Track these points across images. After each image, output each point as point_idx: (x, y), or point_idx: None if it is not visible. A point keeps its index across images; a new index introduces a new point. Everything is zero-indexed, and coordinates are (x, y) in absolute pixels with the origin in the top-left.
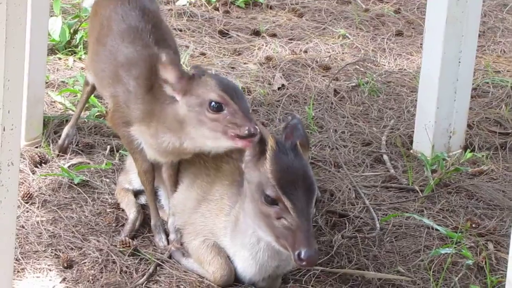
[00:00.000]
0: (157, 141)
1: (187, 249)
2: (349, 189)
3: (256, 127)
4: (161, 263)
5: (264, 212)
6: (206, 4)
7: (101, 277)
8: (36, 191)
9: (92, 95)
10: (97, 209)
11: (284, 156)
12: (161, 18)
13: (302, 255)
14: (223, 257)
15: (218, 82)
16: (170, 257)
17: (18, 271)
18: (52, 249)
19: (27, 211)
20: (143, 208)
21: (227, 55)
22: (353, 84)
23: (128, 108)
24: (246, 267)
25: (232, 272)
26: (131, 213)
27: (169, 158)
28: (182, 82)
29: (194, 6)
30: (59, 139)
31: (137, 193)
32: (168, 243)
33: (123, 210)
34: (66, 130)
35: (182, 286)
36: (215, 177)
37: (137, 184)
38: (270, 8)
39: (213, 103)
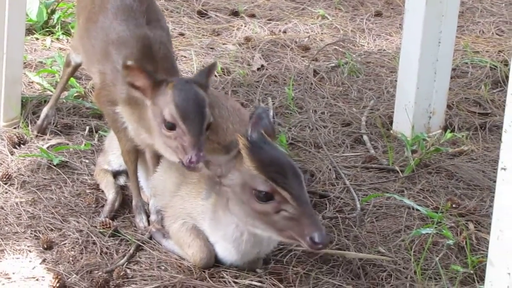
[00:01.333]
0: (138, 129)
1: (168, 232)
2: (330, 169)
3: (201, 154)
4: (141, 244)
5: (260, 211)
6: None
7: (81, 258)
8: (15, 172)
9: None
10: (77, 190)
11: (260, 149)
12: (156, 3)
13: (316, 239)
14: (202, 240)
15: (176, 98)
16: (150, 238)
17: None
18: (31, 230)
19: (6, 192)
20: (122, 189)
21: (206, 35)
22: (333, 64)
23: (114, 87)
24: (227, 255)
25: (212, 254)
26: (110, 194)
27: (147, 147)
28: (149, 88)
29: None
30: (37, 119)
31: (116, 174)
32: (149, 224)
33: (102, 191)
34: (45, 110)
35: (162, 267)
36: None
37: (115, 164)
38: None
39: (166, 120)
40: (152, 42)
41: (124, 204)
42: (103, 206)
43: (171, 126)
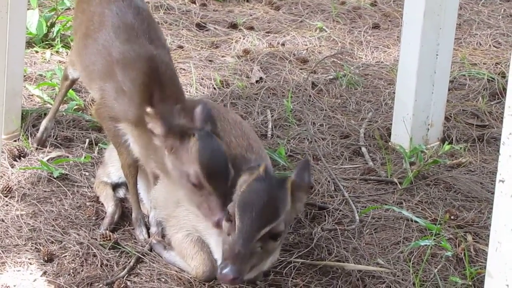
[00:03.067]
0: (147, 152)
1: (170, 242)
2: (328, 181)
3: (223, 218)
4: (141, 256)
5: (224, 226)
6: None
7: (82, 270)
8: (15, 184)
9: (71, 89)
10: (77, 202)
11: (262, 182)
12: (153, 18)
13: (223, 270)
14: (205, 253)
15: (201, 156)
16: (151, 250)
17: None
18: (32, 243)
19: (7, 205)
20: (121, 201)
21: (205, 48)
22: (331, 77)
23: (119, 105)
24: None
25: (215, 268)
26: (109, 206)
27: (153, 168)
28: (169, 139)
29: None
30: (37, 132)
31: (115, 186)
32: (149, 236)
33: (102, 203)
34: (44, 123)
35: (163, 279)
36: None
37: (115, 177)
38: (247, 1)
39: (190, 180)
40: (158, 63)
41: (124, 216)
42: (103, 218)
43: (195, 186)
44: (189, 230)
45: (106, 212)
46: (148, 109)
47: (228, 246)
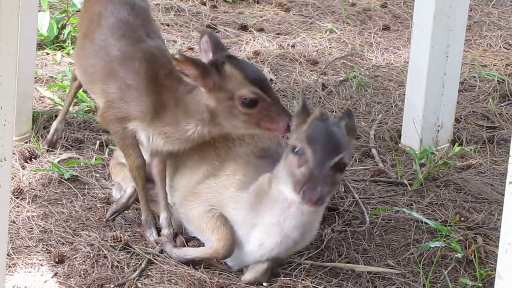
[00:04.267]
0: (178, 129)
1: (186, 217)
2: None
3: (292, 118)
4: (152, 258)
5: (290, 162)
6: None
7: (93, 272)
8: (26, 186)
9: (81, 90)
10: (88, 204)
11: (322, 122)
12: (151, 16)
13: (306, 194)
14: (228, 228)
15: (246, 74)
16: (161, 251)
17: (9, 266)
18: (43, 244)
19: (18, 206)
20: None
21: None
22: (341, 78)
23: (127, 103)
24: (268, 236)
25: (234, 245)
26: (129, 187)
27: (186, 146)
28: (206, 78)
29: (181, 1)
30: (48, 134)
31: None
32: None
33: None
34: (54, 125)
35: (173, 280)
36: (227, 156)
37: None
38: (257, 2)
39: (246, 99)
40: (157, 52)
41: (135, 217)
42: (113, 220)
43: (251, 103)
44: (212, 206)
45: (123, 193)
46: (177, 55)
47: (305, 173)
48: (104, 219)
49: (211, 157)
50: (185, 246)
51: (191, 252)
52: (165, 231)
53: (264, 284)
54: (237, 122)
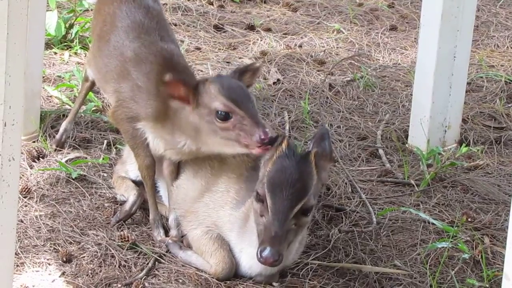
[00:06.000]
0: (173, 139)
1: (187, 238)
2: (346, 183)
3: (267, 130)
4: (159, 258)
5: (254, 208)
6: None
7: (100, 271)
8: (34, 185)
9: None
10: (95, 203)
11: (287, 159)
12: (165, 18)
13: (262, 253)
14: (226, 250)
15: (221, 88)
16: (168, 251)
17: (17, 265)
18: (51, 243)
19: (26, 206)
20: (143, 195)
21: (222, 49)
22: (348, 78)
23: (137, 104)
24: (253, 264)
25: (233, 266)
26: (131, 195)
27: (183, 158)
28: (190, 95)
29: (188, 0)
30: (56, 133)
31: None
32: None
33: (120, 204)
34: (64, 125)
35: (180, 280)
36: (220, 170)
37: (133, 174)
38: (265, 2)
39: (219, 112)
40: (170, 56)
41: (142, 217)
42: (121, 204)
43: (225, 116)
44: (209, 227)
45: (126, 201)
46: (167, 76)
47: (264, 228)
48: (110, 225)
49: (205, 170)
50: (191, 248)
51: (195, 262)
52: (173, 232)
53: (274, 284)
54: (218, 139)
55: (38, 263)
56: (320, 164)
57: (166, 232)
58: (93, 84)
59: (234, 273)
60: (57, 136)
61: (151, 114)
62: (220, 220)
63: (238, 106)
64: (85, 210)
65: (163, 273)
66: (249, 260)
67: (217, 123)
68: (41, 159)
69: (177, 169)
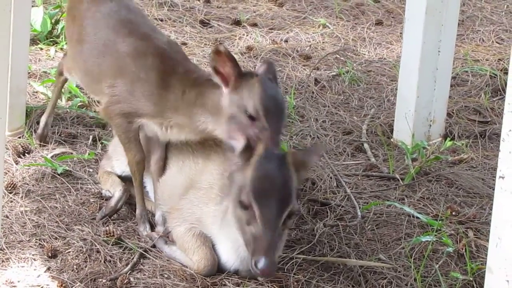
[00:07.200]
0: (191, 120)
1: (171, 235)
2: (331, 177)
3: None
4: (144, 252)
5: (238, 215)
6: None
7: (85, 266)
8: (19, 181)
9: (74, 85)
10: (81, 198)
11: (268, 164)
12: (144, 13)
13: (258, 264)
14: (208, 247)
15: (262, 92)
16: (153, 246)
17: (2, 261)
18: (36, 239)
19: (11, 201)
20: (129, 190)
21: (208, 44)
22: (334, 73)
23: (136, 98)
24: (229, 258)
25: (216, 262)
26: (117, 191)
27: (195, 137)
28: (236, 79)
29: None
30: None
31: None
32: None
33: (106, 199)
34: (44, 119)
35: (165, 275)
36: (204, 166)
37: (119, 170)
38: None
39: (247, 111)
40: (166, 47)
41: (128, 212)
42: (107, 199)
43: (252, 117)
44: (192, 224)
45: (111, 197)
46: (222, 47)
47: (254, 238)
48: (96, 221)
49: (190, 166)
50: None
51: (179, 257)
52: (159, 228)
53: (259, 278)
54: (233, 126)
55: (24, 258)
56: (298, 167)
57: (152, 227)
58: (66, 79)
59: (216, 269)
60: (39, 131)
61: (158, 103)
62: (204, 216)
63: (267, 116)
64: (71, 206)
65: (148, 268)
66: (226, 254)
67: (242, 115)
68: (26, 154)
69: (165, 165)
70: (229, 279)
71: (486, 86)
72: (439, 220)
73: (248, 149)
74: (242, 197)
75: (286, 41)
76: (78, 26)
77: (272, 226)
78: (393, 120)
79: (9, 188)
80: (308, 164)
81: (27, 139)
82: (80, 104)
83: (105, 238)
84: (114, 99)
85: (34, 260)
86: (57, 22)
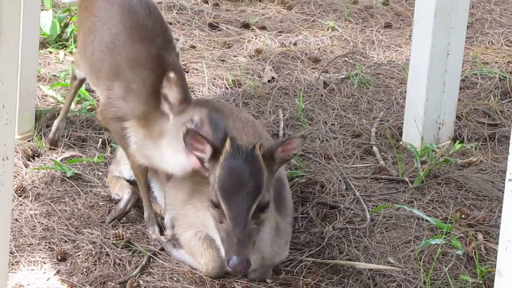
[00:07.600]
0: (143, 145)
1: (179, 241)
2: (340, 180)
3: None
4: (153, 255)
5: (212, 215)
6: None
7: (95, 269)
8: (29, 184)
9: (84, 89)
10: (90, 202)
11: (234, 160)
12: (162, 15)
13: (229, 262)
14: (214, 249)
15: (205, 109)
16: (162, 249)
17: (12, 264)
18: (46, 242)
19: (21, 205)
20: (137, 193)
21: (217, 48)
22: (343, 76)
23: (126, 104)
24: None
25: (224, 264)
26: (125, 193)
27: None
28: (182, 105)
29: None
30: (50, 132)
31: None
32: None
33: (115, 203)
34: (56, 123)
35: (175, 278)
36: None
37: (127, 174)
38: (259, 0)
39: (194, 121)
40: (169, 67)
41: (137, 215)
42: (116, 203)
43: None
44: (198, 228)
45: (120, 200)
46: (171, 74)
47: (225, 235)
48: (105, 224)
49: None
50: None
51: (188, 260)
52: (168, 232)
53: (268, 281)
54: (173, 139)
55: (33, 261)
56: (269, 157)
57: (161, 230)
58: (81, 82)
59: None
60: (50, 135)
61: (137, 115)
62: (208, 219)
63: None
64: (80, 209)
65: (158, 271)
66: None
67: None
68: (36, 158)
69: None
70: (238, 282)
71: (495, 89)
72: (449, 223)
73: (215, 151)
74: (212, 196)
75: (295, 44)
76: (92, 15)
77: (240, 221)
78: (402, 123)
79: (19, 192)
80: (275, 148)
81: (37, 143)
82: (89, 107)
83: (114, 241)
84: (109, 102)
85: (44, 263)
86: (66, 25)
